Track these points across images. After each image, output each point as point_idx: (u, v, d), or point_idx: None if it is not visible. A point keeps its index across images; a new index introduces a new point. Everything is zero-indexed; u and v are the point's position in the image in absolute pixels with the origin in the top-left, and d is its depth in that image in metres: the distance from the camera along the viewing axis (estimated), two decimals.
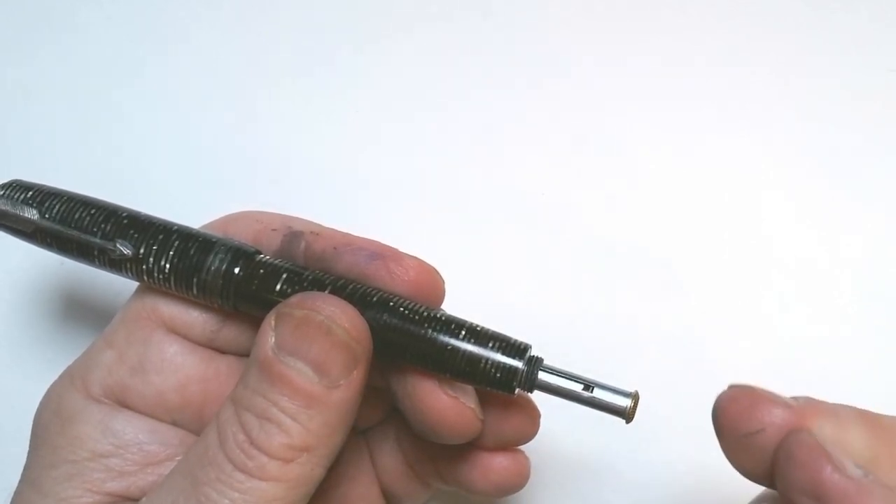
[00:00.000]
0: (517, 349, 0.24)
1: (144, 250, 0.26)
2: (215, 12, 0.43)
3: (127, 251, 0.26)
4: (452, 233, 0.39)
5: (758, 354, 0.36)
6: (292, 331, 0.23)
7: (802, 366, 0.36)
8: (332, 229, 0.27)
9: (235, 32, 0.43)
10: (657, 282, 0.37)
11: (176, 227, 0.26)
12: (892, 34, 0.41)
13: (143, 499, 0.24)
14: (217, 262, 0.25)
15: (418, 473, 0.29)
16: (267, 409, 0.23)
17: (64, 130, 0.41)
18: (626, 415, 0.24)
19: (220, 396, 0.27)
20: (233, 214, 0.28)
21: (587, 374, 0.24)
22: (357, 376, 0.24)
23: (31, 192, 0.27)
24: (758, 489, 0.23)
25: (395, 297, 0.25)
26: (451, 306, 0.26)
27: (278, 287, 0.25)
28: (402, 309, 0.25)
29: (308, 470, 0.23)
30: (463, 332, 0.24)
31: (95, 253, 0.26)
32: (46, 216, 0.26)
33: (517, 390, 0.24)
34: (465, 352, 0.24)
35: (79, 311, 0.38)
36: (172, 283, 0.26)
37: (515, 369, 0.24)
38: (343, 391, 0.23)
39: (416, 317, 0.24)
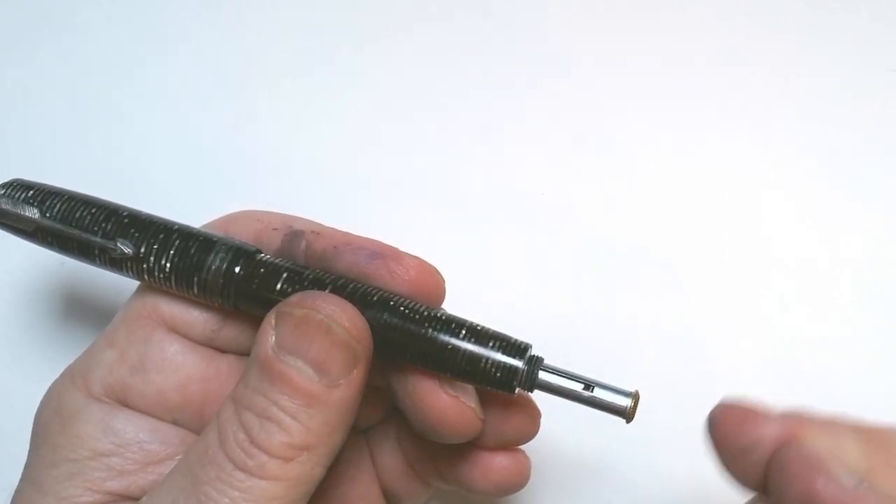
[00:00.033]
0: (517, 349, 0.24)
1: (145, 249, 0.26)
2: (215, 12, 0.43)
3: (128, 250, 0.26)
4: (452, 233, 0.39)
5: (758, 354, 0.36)
6: (292, 330, 0.23)
7: (802, 366, 0.36)
8: (333, 229, 0.27)
9: (235, 32, 0.43)
10: (657, 282, 0.37)
11: (177, 227, 0.26)
12: (892, 34, 0.41)
13: (144, 498, 0.24)
14: (218, 261, 0.25)
15: (419, 473, 0.29)
16: (267, 408, 0.23)
17: (64, 130, 0.41)
18: (627, 414, 0.24)
19: (220, 396, 0.27)
20: (233, 214, 0.28)
21: (587, 374, 0.24)
22: (357, 375, 0.24)
23: (31, 192, 0.27)
24: None
25: (395, 296, 0.25)
26: (452, 306, 0.26)
27: (279, 286, 0.25)
28: (402, 308, 0.25)
29: (308, 469, 0.23)
30: (463, 332, 0.24)
31: (96, 252, 0.26)
32: (47, 215, 0.27)
33: (517, 390, 0.24)
34: (465, 351, 0.24)
35: (79, 311, 0.38)
36: (173, 282, 0.26)
37: (516, 369, 0.24)
38: (343, 390, 0.23)
39: (417, 316, 0.24)
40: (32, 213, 0.27)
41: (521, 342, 0.25)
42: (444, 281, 0.26)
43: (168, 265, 0.26)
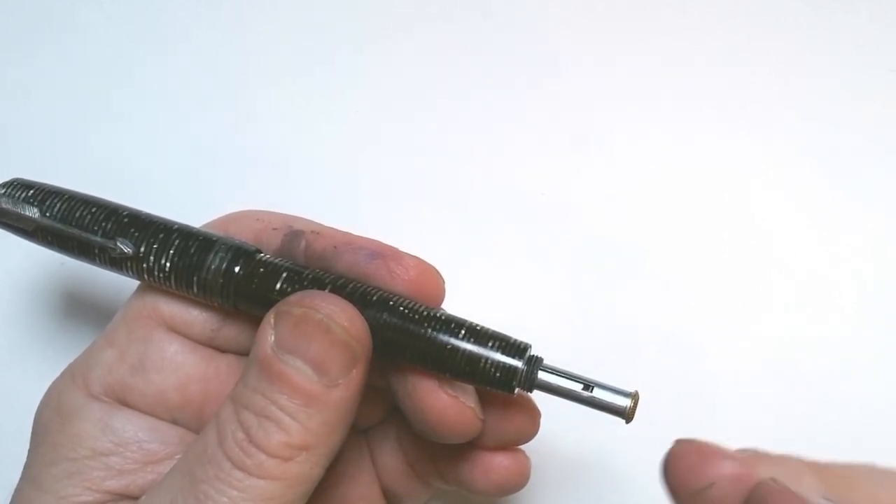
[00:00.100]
0: (517, 349, 0.24)
1: (145, 249, 0.26)
2: (215, 12, 0.43)
3: (128, 249, 0.26)
4: (452, 233, 0.39)
5: (758, 354, 0.36)
6: (291, 329, 0.23)
7: (802, 366, 0.36)
8: (333, 228, 0.27)
9: (235, 32, 0.43)
10: (657, 282, 0.37)
11: (176, 226, 0.26)
12: (892, 34, 0.41)
13: (143, 497, 0.24)
14: (217, 260, 0.25)
15: (419, 473, 0.29)
16: (266, 408, 0.23)
17: (64, 130, 0.41)
18: (626, 415, 0.24)
19: (220, 395, 0.27)
20: (233, 213, 0.28)
21: (587, 374, 0.24)
22: (356, 375, 0.24)
23: (32, 191, 0.27)
24: None
25: (394, 296, 0.25)
26: (451, 306, 0.26)
27: (278, 286, 0.25)
28: (401, 308, 0.24)
29: (307, 469, 0.23)
30: (463, 332, 0.24)
31: (96, 251, 0.26)
32: (47, 214, 0.27)
33: (517, 390, 0.24)
34: (464, 351, 0.24)
35: (79, 311, 0.38)
36: (173, 281, 0.26)
37: (515, 369, 0.24)
38: (342, 390, 0.23)
39: (416, 316, 0.24)
40: (33, 212, 0.27)
41: (521, 342, 0.25)
42: (443, 281, 0.26)
43: (168, 265, 0.26)
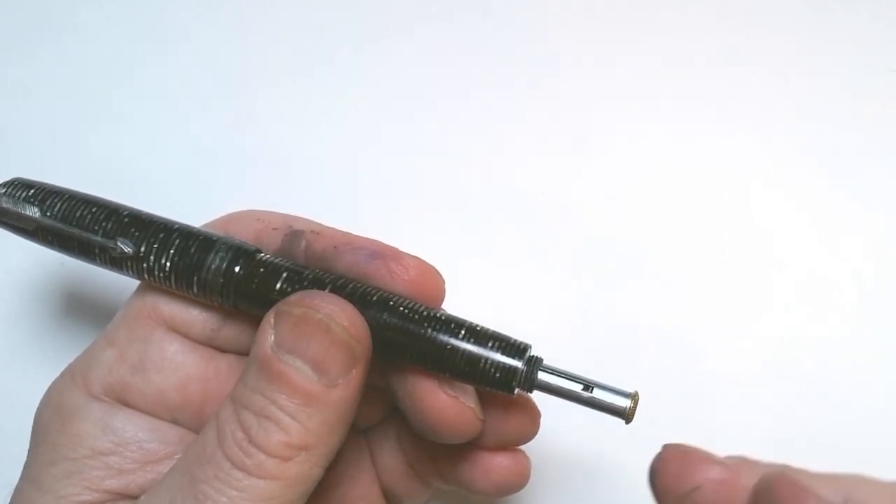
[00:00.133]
0: (517, 349, 0.24)
1: (145, 248, 0.26)
2: (215, 12, 0.43)
3: (128, 249, 0.26)
4: (452, 233, 0.39)
5: (758, 354, 0.36)
6: (291, 329, 0.23)
7: (802, 366, 0.36)
8: (333, 228, 0.27)
9: (235, 32, 0.43)
10: (657, 282, 0.37)
11: (177, 226, 0.26)
12: (892, 34, 0.41)
13: (142, 497, 0.24)
14: (217, 260, 0.25)
15: (419, 473, 0.29)
16: (266, 408, 0.23)
17: (64, 130, 0.41)
18: (626, 415, 0.24)
19: (220, 395, 0.27)
20: (234, 213, 0.28)
21: (587, 375, 0.24)
22: (356, 375, 0.24)
23: (32, 191, 0.27)
24: None
25: (394, 296, 0.25)
26: (451, 306, 0.26)
27: (278, 286, 0.25)
28: (401, 308, 0.24)
29: (306, 469, 0.23)
30: (462, 332, 0.24)
31: (96, 251, 0.26)
32: (48, 214, 0.27)
33: (517, 390, 0.24)
34: (464, 351, 0.24)
35: (79, 310, 0.38)
36: (173, 281, 0.26)
37: (515, 369, 0.24)
38: (342, 390, 0.23)
39: (416, 316, 0.24)
40: (33, 212, 0.27)
41: (521, 342, 0.25)
42: (443, 281, 0.26)
43: (168, 264, 0.26)
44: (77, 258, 0.27)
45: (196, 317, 0.27)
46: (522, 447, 0.28)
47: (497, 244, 0.38)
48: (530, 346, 0.25)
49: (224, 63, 0.42)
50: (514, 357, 0.24)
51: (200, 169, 0.40)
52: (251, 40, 0.42)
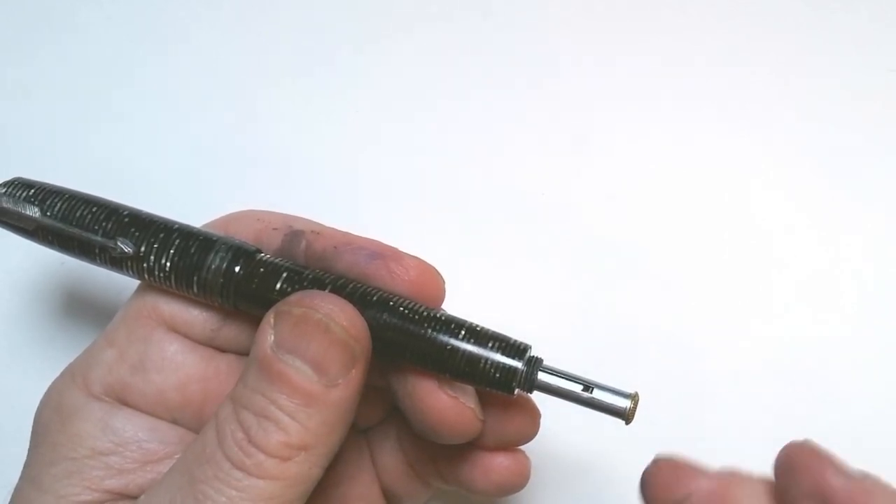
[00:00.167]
0: (517, 349, 0.24)
1: (145, 248, 0.26)
2: (215, 12, 0.43)
3: (128, 249, 0.26)
4: (452, 233, 0.39)
5: (758, 354, 0.36)
6: (291, 329, 0.23)
7: (802, 366, 0.36)
8: (333, 228, 0.27)
9: (235, 32, 0.43)
10: (657, 282, 0.37)
11: (177, 226, 0.26)
12: (892, 34, 0.41)
13: (142, 496, 0.24)
14: (217, 260, 0.25)
15: (419, 473, 0.29)
16: (265, 408, 0.23)
17: (64, 130, 0.41)
18: (626, 416, 0.24)
19: (220, 395, 0.27)
20: (234, 213, 0.28)
21: (587, 375, 0.24)
22: (356, 375, 0.24)
23: (32, 190, 0.27)
24: None
25: (394, 296, 0.25)
26: (451, 306, 0.26)
27: (278, 286, 0.25)
28: (401, 308, 0.24)
29: (306, 469, 0.23)
30: (462, 332, 0.24)
31: (96, 251, 0.26)
32: (48, 214, 0.27)
33: (517, 391, 0.24)
34: (464, 352, 0.24)
35: (79, 310, 0.38)
36: (173, 281, 0.26)
37: (515, 369, 0.24)
38: (341, 390, 0.23)
39: (416, 316, 0.24)
40: (33, 211, 0.27)
41: (521, 343, 0.25)
42: (443, 281, 0.26)
43: (168, 264, 0.26)
44: (77, 258, 0.27)
45: (196, 317, 0.27)
46: (522, 447, 0.28)
47: (497, 244, 0.38)
48: (530, 347, 0.25)
49: (224, 63, 0.42)
50: (514, 357, 0.24)
51: (200, 169, 0.40)
52: (251, 40, 0.42)
